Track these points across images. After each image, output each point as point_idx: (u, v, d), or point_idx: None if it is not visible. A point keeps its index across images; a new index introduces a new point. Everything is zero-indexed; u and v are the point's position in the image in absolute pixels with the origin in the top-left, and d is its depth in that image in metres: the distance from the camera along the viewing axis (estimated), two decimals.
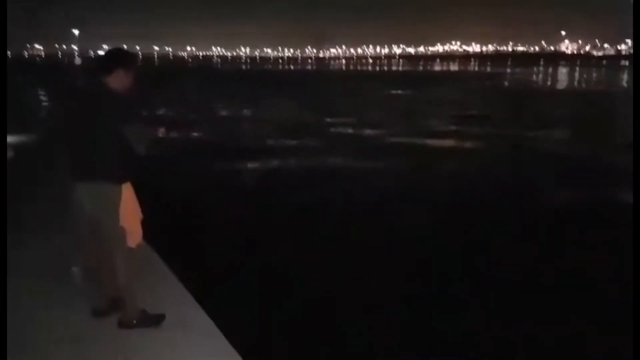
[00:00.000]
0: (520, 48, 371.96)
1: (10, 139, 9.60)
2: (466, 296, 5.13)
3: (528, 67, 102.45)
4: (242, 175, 10.37)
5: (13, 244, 3.97)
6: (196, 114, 21.39)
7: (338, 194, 8.92)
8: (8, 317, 3.01)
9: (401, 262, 5.92)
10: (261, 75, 68.71)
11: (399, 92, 37.11)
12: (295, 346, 4.14)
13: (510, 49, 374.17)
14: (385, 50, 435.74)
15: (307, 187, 9.34)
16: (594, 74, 69.14)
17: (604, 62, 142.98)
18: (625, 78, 55.49)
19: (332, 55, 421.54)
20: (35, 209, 6.12)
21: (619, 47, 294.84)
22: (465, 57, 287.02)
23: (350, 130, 16.61)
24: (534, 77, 63.90)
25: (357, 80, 59.32)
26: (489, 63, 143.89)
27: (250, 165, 11.33)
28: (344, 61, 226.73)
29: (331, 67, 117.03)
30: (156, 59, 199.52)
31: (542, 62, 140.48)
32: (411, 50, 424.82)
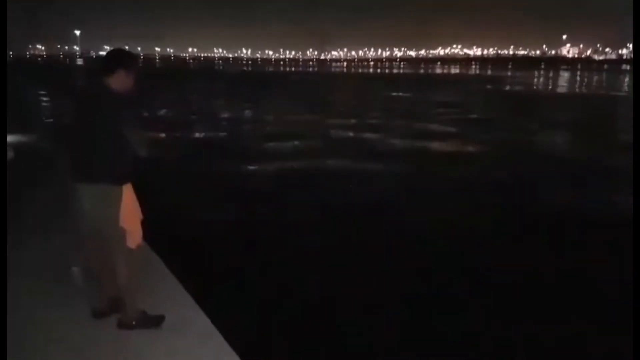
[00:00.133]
0: (522, 52, 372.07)
1: (10, 138, 9.61)
2: (466, 296, 5.12)
3: (529, 70, 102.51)
4: (242, 175, 10.35)
5: (13, 244, 3.97)
6: (196, 115, 21.37)
7: (338, 194, 8.93)
8: (8, 317, 3.00)
9: (401, 262, 5.91)
10: (262, 77, 68.70)
11: (400, 94, 37.06)
12: (295, 346, 4.13)
13: (511, 52, 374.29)
14: (387, 53, 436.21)
15: (307, 187, 9.33)
16: (595, 78, 69.22)
17: (605, 66, 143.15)
18: (626, 81, 55.52)
19: (334, 57, 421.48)
20: (35, 209, 6.10)
21: (620, 52, 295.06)
22: (467, 60, 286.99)
23: (350, 134, 16.53)
24: (535, 80, 63.94)
25: (359, 81, 59.37)
26: (489, 66, 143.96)
27: (249, 165, 11.31)
28: (345, 63, 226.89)
29: (333, 70, 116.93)
30: (157, 60, 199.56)
31: (543, 66, 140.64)
32: (412, 53, 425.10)
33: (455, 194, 9.14)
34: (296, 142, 14.46)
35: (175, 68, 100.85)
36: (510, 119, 21.49)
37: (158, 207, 4.00)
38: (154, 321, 3.62)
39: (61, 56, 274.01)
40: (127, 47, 3.86)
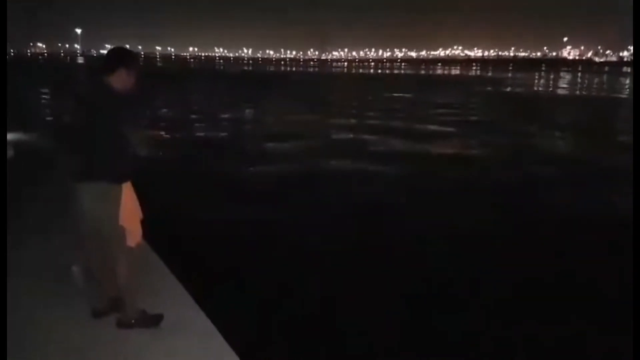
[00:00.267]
0: (522, 53, 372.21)
1: (11, 137, 9.61)
2: (466, 296, 5.13)
3: (530, 72, 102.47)
4: (242, 175, 10.34)
5: (13, 244, 3.95)
6: (196, 115, 21.35)
7: (337, 195, 8.92)
8: (8, 317, 2.99)
9: (401, 262, 5.92)
10: (263, 76, 68.68)
11: (400, 94, 37.06)
12: (295, 346, 4.13)
13: (512, 53, 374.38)
14: (388, 54, 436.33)
15: (307, 187, 9.32)
16: (596, 80, 69.23)
17: (606, 68, 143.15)
18: (628, 83, 55.51)
19: (335, 57, 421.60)
20: (35, 208, 6.08)
21: (621, 54, 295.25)
22: (467, 61, 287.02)
23: (350, 135, 16.49)
24: (536, 81, 63.94)
25: (360, 82, 59.37)
26: (490, 68, 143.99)
27: (249, 165, 11.31)
28: (346, 64, 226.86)
29: (333, 70, 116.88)
30: (158, 59, 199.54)
31: (543, 68, 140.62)
32: (413, 53, 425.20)
33: (455, 195, 9.14)
34: (296, 143, 14.43)
35: (176, 67, 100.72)
36: (511, 121, 21.48)
37: (157, 206, 3.98)
38: (154, 320, 3.62)
39: (62, 54, 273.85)
40: (128, 46, 3.82)
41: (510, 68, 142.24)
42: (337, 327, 4.46)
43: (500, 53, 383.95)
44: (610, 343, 4.27)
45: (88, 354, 3.30)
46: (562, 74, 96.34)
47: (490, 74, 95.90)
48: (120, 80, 3.38)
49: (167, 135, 3.73)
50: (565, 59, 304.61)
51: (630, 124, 16.73)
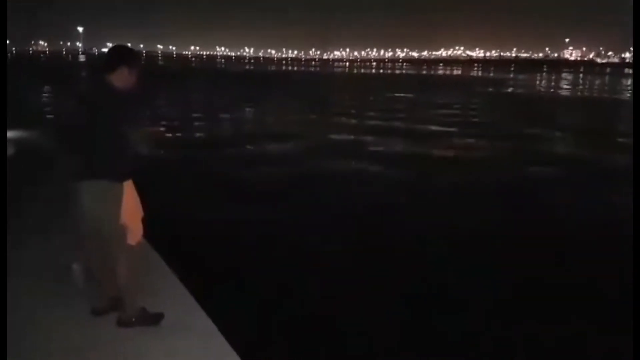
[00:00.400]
0: (524, 54, 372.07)
1: (12, 135, 9.62)
2: (466, 296, 5.12)
3: (531, 73, 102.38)
4: (242, 175, 10.31)
5: (13, 244, 3.93)
6: (197, 114, 21.35)
7: (337, 195, 8.90)
8: (8, 317, 2.98)
9: (401, 262, 5.91)
10: (264, 76, 68.68)
11: (402, 95, 37.06)
12: (295, 346, 4.12)
13: (513, 54, 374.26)
14: (390, 54, 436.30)
15: (307, 188, 9.30)
16: (598, 81, 69.19)
17: (608, 69, 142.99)
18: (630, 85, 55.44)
19: (336, 57, 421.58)
20: (35, 207, 6.06)
21: (622, 55, 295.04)
22: (469, 61, 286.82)
23: (351, 136, 16.41)
24: (538, 82, 63.90)
25: (361, 82, 59.36)
26: (492, 68, 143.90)
27: (249, 165, 11.31)
28: (347, 63, 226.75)
29: (335, 70, 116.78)
30: (160, 58, 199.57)
31: (545, 69, 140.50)
32: (414, 54, 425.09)
33: (456, 195, 9.14)
34: (296, 143, 14.41)
35: (178, 66, 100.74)
36: (512, 122, 21.47)
37: (157, 206, 3.97)
38: (154, 319, 3.60)
39: (64, 53, 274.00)
40: (129, 45, 3.81)
41: (512, 69, 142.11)
42: (337, 327, 4.44)
43: (502, 53, 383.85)
44: (610, 343, 4.27)
45: (88, 353, 3.28)
46: (563, 74, 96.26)
47: (492, 74, 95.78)
48: (122, 78, 3.37)
49: (168, 134, 3.72)
50: (567, 60, 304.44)
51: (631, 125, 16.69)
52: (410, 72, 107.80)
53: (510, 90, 47.94)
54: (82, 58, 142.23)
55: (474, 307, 4.88)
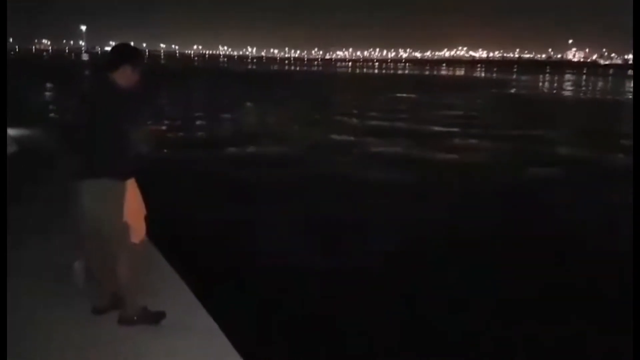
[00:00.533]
0: (527, 55, 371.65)
1: (14, 132, 9.64)
2: (466, 296, 5.12)
3: (535, 74, 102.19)
4: (243, 176, 10.29)
5: (13, 244, 3.90)
6: (198, 114, 21.34)
7: (337, 196, 8.89)
8: (8, 317, 2.96)
9: (402, 263, 5.91)
10: (266, 76, 68.70)
11: (405, 95, 37.03)
12: (295, 346, 4.12)
13: (516, 55, 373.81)
14: (392, 54, 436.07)
15: (309, 190, 9.29)
16: (601, 83, 69.10)
17: (611, 71, 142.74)
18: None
19: (339, 57, 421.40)
20: (36, 206, 6.03)
21: (626, 57, 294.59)
22: (472, 62, 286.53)
23: (352, 137, 16.28)
24: (541, 84, 63.82)
25: (364, 82, 59.33)
26: (495, 69, 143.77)
27: (250, 165, 11.31)
28: (350, 63, 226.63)
29: (337, 70, 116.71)
30: (162, 57, 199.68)
31: (548, 70, 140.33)
32: (417, 54, 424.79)
33: (457, 196, 9.13)
34: (297, 144, 14.38)
35: (180, 65, 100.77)
36: (516, 123, 21.44)
37: (157, 206, 3.96)
38: (155, 317, 3.59)
39: (67, 51, 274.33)
40: (132, 43, 3.79)
41: (515, 69, 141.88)
42: (337, 327, 4.44)
43: (504, 54, 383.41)
44: (610, 343, 4.27)
45: (89, 352, 3.27)
46: (567, 76, 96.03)
47: (494, 75, 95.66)
48: (125, 77, 3.36)
49: (169, 133, 3.71)
50: (570, 61, 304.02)
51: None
52: (413, 72, 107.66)
53: (513, 91, 47.88)
54: (85, 57, 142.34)
55: (474, 307, 4.88)
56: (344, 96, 34.55)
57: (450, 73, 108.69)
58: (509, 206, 8.53)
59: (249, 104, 25.90)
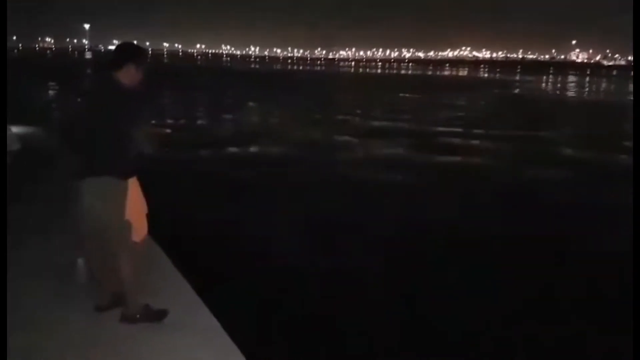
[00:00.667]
0: (531, 56, 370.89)
1: (18, 130, 9.67)
2: (466, 296, 5.13)
3: (538, 75, 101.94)
4: (243, 176, 10.29)
5: (13, 243, 3.88)
6: (201, 115, 21.36)
7: (338, 196, 8.88)
8: (8, 317, 2.95)
9: (402, 263, 5.92)
10: (269, 75, 68.66)
11: (407, 95, 36.99)
12: (295, 346, 4.12)
13: (520, 56, 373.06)
14: (395, 54, 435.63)
15: (309, 190, 9.27)
16: (605, 84, 68.96)
17: (614, 72, 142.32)
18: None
19: (342, 56, 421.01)
20: (39, 205, 6.01)
21: (629, 58, 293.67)
22: (475, 62, 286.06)
23: (355, 139, 16.21)
24: (545, 85, 63.67)
25: (367, 83, 59.26)
26: (498, 69, 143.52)
27: (251, 166, 11.31)
28: (353, 63, 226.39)
29: (340, 69, 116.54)
30: (165, 56, 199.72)
31: (552, 71, 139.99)
32: (421, 54, 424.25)
33: (458, 198, 9.13)
34: (298, 145, 14.37)
35: (183, 64, 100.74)
36: (519, 124, 21.41)
37: (157, 205, 3.96)
38: (158, 315, 3.58)
39: (70, 50, 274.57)
40: (134, 42, 3.79)
41: (519, 70, 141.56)
42: (337, 327, 4.45)
43: (508, 55, 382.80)
44: (610, 343, 4.27)
45: (90, 350, 3.27)
46: (570, 77, 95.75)
47: (498, 75, 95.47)
48: (128, 75, 3.36)
49: (170, 133, 3.69)
50: (573, 62, 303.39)
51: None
52: (416, 72, 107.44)
53: (518, 91, 47.76)
54: (88, 55, 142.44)
55: (474, 307, 4.88)
56: (346, 96, 34.51)
57: (454, 73, 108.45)
58: (509, 206, 8.54)
59: (251, 103, 25.89)
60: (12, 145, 7.50)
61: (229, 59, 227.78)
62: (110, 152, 3.28)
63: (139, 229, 3.47)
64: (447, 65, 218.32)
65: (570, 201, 8.92)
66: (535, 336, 4.39)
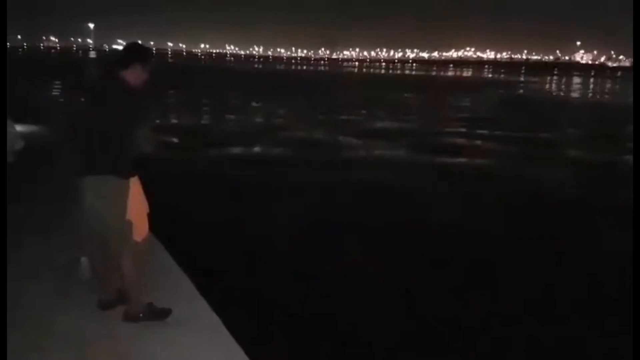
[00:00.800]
0: (535, 57, 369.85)
1: (22, 129, 9.69)
2: (466, 296, 5.14)
3: (542, 75, 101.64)
4: (243, 176, 10.30)
5: (15, 243, 3.89)
6: (205, 116, 21.34)
7: (338, 196, 8.90)
8: (9, 316, 2.97)
9: (402, 262, 5.93)
10: (272, 75, 68.61)
11: (411, 95, 36.94)
12: (295, 346, 4.14)
13: (524, 56, 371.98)
14: (399, 54, 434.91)
15: (310, 190, 9.25)
16: (608, 84, 68.74)
17: (619, 73, 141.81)
18: None
19: (345, 57, 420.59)
20: (41, 204, 6.03)
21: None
22: (479, 63, 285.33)
23: (354, 140, 16.15)
24: (550, 86, 63.50)
25: (370, 83, 59.19)
26: (502, 70, 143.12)
27: (251, 166, 11.33)
28: (356, 63, 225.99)
29: (344, 70, 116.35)
30: (169, 55, 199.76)
31: (556, 72, 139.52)
32: (425, 54, 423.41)
33: (459, 199, 9.14)
34: (298, 144, 14.40)
35: (186, 64, 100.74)
36: (523, 124, 21.39)
37: (157, 205, 3.98)
38: (161, 314, 3.59)
39: (74, 49, 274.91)
40: (139, 42, 3.81)
41: (523, 71, 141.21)
42: (337, 327, 4.46)
43: (512, 55, 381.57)
44: (610, 343, 4.27)
45: (92, 348, 3.28)
46: (575, 78, 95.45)
47: (502, 76, 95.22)
48: (135, 75, 3.40)
49: (173, 136, 3.67)
50: (578, 63, 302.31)
51: None
52: (420, 73, 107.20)
53: (522, 92, 47.65)
54: (92, 54, 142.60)
55: (474, 306, 4.90)
56: (349, 96, 34.46)
57: (458, 74, 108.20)
58: (511, 207, 8.54)
59: (254, 103, 25.88)
60: (17, 144, 7.51)
61: (232, 58, 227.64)
62: (111, 150, 3.30)
63: (140, 228, 3.48)
64: (451, 65, 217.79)
65: (571, 201, 8.94)
66: (535, 336, 4.40)
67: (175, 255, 4.72)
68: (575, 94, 48.19)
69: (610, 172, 11.95)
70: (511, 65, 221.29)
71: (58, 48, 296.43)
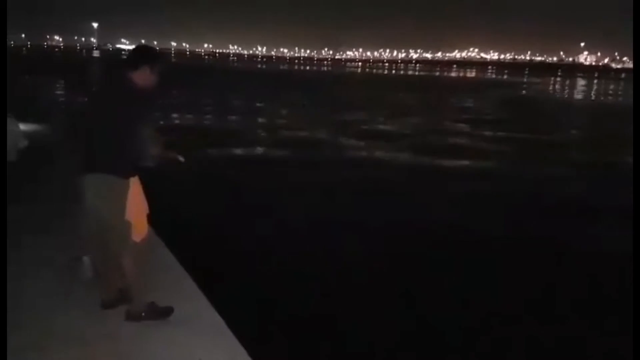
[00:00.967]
0: (539, 58, 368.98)
1: (26, 128, 9.72)
2: (466, 296, 5.14)
3: (546, 77, 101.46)
4: (244, 177, 10.31)
5: (13, 242, 3.87)
6: (208, 117, 21.35)
7: (338, 196, 8.90)
8: (9, 316, 2.97)
9: (402, 262, 5.94)
10: (275, 76, 68.59)
11: (413, 96, 36.92)
12: (295, 346, 4.14)
13: (528, 57, 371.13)
14: (403, 54, 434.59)
15: (310, 190, 9.26)
16: (612, 86, 68.59)
17: (623, 74, 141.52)
18: None
19: (349, 57, 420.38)
20: (43, 204, 5.97)
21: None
22: (483, 64, 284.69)
23: (356, 141, 16.12)
24: (552, 87, 63.36)
25: (373, 84, 59.12)
26: (506, 71, 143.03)
27: (253, 167, 11.34)
28: (360, 64, 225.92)
29: (347, 70, 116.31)
30: (172, 55, 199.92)
31: (560, 73, 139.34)
32: (428, 55, 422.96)
33: (460, 200, 9.14)
34: (299, 144, 14.39)
35: (189, 64, 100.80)
36: (526, 125, 21.37)
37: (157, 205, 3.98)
38: (163, 313, 3.59)
39: (78, 48, 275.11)
40: (143, 41, 3.83)
41: (526, 72, 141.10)
42: (337, 327, 4.46)
43: (516, 56, 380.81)
44: (610, 343, 4.27)
45: (91, 349, 3.28)
46: (578, 79, 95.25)
47: (505, 77, 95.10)
48: (143, 77, 3.41)
49: (182, 159, 3.64)
50: (581, 64, 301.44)
51: None
52: (423, 73, 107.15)
53: (525, 93, 47.58)
54: (96, 53, 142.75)
55: (474, 306, 4.91)
56: (352, 97, 34.45)
57: (462, 74, 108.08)
58: (510, 207, 8.55)
59: (257, 104, 25.88)
60: (20, 143, 7.54)
61: (235, 58, 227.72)
62: (112, 150, 3.30)
63: (139, 229, 3.47)
64: (455, 66, 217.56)
65: (571, 202, 8.94)
66: (535, 336, 4.40)
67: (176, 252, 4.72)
68: (578, 96, 48.10)
69: (610, 173, 11.95)
70: (515, 66, 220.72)
71: (62, 47, 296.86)
